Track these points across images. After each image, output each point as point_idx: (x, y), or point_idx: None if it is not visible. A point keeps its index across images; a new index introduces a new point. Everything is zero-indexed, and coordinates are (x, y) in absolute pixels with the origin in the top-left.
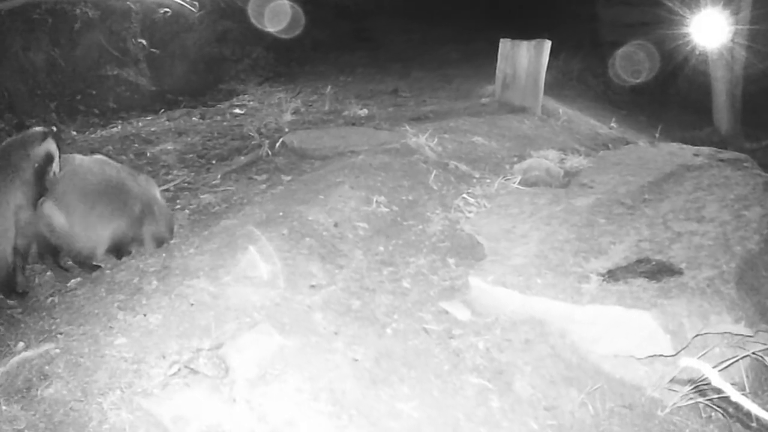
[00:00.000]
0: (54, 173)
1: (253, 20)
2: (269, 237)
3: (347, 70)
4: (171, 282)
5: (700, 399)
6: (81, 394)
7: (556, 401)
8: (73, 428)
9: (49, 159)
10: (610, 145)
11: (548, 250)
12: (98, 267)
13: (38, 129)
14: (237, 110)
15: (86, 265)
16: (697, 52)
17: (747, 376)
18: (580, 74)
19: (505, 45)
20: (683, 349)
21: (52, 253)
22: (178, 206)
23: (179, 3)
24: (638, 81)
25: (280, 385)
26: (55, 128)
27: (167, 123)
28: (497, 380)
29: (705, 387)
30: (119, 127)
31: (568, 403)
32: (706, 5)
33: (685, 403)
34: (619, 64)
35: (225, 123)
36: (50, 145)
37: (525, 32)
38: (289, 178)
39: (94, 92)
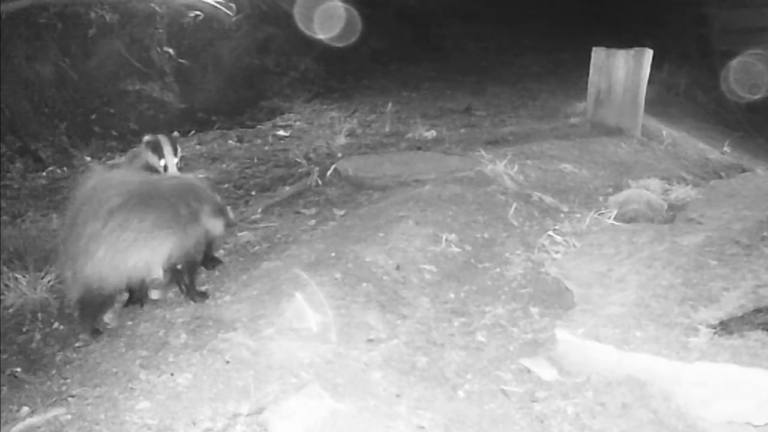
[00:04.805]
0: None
1: (300, 26)
2: (319, 282)
3: (411, 85)
4: (203, 335)
5: None
6: None
7: None
8: None
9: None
10: (722, 173)
11: (649, 298)
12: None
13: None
14: (281, 132)
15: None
16: None
17: None
18: (687, 89)
19: (598, 54)
20: None
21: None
22: None
23: (213, 5)
24: (756, 97)
25: None
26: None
27: (198, 147)
28: None
29: None
30: None
31: None
32: None
33: None
34: (733, 77)
35: (267, 147)
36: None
37: (621, 39)
38: (342, 212)
39: (111, 111)
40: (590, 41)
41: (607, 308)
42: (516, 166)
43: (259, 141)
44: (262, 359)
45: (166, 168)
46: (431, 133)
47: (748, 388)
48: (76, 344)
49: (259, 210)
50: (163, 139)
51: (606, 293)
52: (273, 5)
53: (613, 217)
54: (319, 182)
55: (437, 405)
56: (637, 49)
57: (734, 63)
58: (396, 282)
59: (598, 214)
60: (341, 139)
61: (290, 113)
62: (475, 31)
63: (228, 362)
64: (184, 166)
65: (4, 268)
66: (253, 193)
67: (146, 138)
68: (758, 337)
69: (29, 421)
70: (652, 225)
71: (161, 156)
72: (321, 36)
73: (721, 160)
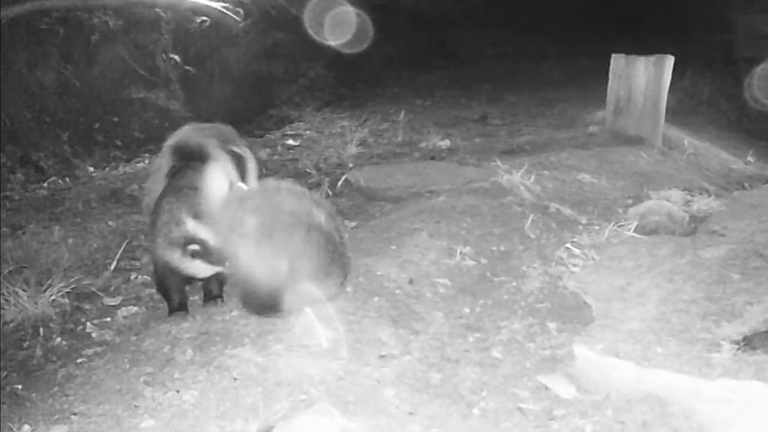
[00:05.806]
0: None
1: (310, 31)
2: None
3: (425, 92)
4: (209, 351)
5: None
6: None
7: None
8: None
9: None
10: (746, 184)
11: (670, 313)
12: None
13: None
14: (290, 141)
15: None
16: None
17: None
18: (710, 97)
19: (618, 61)
20: None
21: None
22: None
23: (220, 11)
24: None
25: None
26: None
27: None
28: None
29: None
30: (146, 161)
31: None
32: None
33: None
34: (758, 85)
35: (276, 157)
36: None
37: (642, 46)
38: (353, 224)
39: (115, 119)
40: (609, 48)
41: (627, 323)
42: (533, 177)
43: (267, 150)
44: (271, 376)
45: None
46: (445, 143)
47: None
48: (79, 360)
49: None
50: (246, 153)
51: (626, 308)
52: (282, 10)
53: (633, 229)
54: (330, 193)
55: (451, 423)
56: (658, 55)
57: (759, 70)
58: (409, 296)
59: (618, 226)
60: (352, 149)
61: (300, 122)
62: (491, 37)
63: (235, 379)
64: None
65: (4, 282)
66: None
67: (231, 147)
68: None
69: None
70: (673, 237)
71: (245, 176)
72: (331, 42)
73: (745, 171)
